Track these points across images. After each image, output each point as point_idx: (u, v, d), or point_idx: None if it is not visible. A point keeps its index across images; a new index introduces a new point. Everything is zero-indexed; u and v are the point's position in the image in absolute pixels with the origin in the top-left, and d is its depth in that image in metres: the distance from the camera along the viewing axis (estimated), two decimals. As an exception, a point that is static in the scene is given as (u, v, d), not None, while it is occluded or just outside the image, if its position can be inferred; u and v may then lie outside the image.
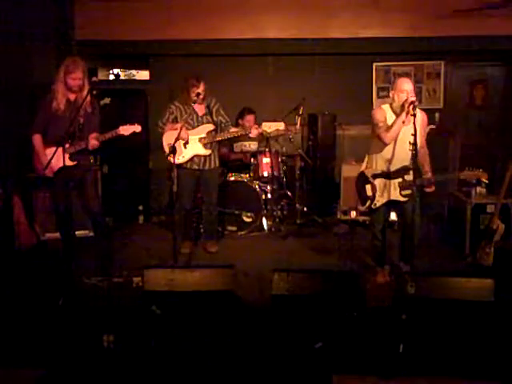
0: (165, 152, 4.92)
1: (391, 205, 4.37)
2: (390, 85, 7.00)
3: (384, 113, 4.28)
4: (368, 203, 4.38)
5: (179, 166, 4.91)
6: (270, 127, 4.93)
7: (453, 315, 2.86)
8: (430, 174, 4.24)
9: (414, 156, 3.84)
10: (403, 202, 4.23)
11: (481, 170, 4.06)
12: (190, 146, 5.01)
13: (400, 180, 4.21)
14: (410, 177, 4.06)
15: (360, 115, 6.76)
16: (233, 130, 5.14)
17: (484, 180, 4.07)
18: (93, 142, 4.34)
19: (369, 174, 4.38)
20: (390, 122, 4.20)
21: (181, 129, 4.61)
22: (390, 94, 4.29)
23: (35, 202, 5.39)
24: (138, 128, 4.39)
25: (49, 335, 3.33)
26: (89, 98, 4.27)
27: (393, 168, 4.25)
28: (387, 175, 4.28)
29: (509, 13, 6.33)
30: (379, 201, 4.32)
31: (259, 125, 5.05)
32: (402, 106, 4.10)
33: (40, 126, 4.39)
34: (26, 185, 5.27)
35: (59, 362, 3.02)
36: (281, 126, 4.96)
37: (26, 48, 5.63)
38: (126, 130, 4.35)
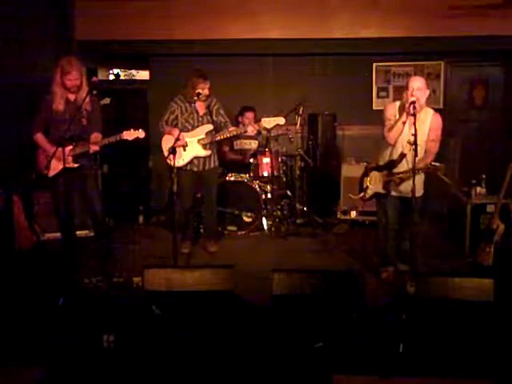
0: (164, 155, 4.93)
1: (391, 202, 4.34)
2: (390, 85, 7.03)
3: (394, 110, 4.23)
4: (362, 194, 4.50)
5: (179, 167, 4.92)
6: (269, 122, 4.93)
7: (452, 315, 2.86)
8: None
9: (414, 156, 3.82)
10: (404, 201, 4.21)
11: (439, 164, 3.95)
12: (189, 148, 5.02)
13: (385, 173, 4.23)
14: (396, 169, 4.15)
15: (360, 115, 6.78)
16: (231, 129, 5.14)
17: (440, 175, 4.00)
18: (94, 147, 4.34)
19: (369, 166, 4.48)
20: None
21: (178, 134, 4.61)
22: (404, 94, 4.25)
23: (35, 202, 5.39)
24: (141, 134, 4.37)
25: (49, 335, 3.33)
26: (88, 98, 4.27)
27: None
28: (378, 168, 4.33)
29: (509, 13, 6.33)
30: (368, 193, 4.42)
31: (258, 121, 5.05)
32: (404, 105, 4.09)
33: (41, 125, 4.41)
34: (26, 185, 5.27)
35: (59, 362, 3.02)
36: (281, 120, 4.94)
37: (26, 48, 5.63)
38: (129, 134, 4.34)
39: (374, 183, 4.37)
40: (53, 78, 4.37)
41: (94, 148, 4.35)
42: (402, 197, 4.22)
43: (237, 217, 5.88)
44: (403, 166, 4.12)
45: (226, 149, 6.15)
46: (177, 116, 5.05)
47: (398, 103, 4.28)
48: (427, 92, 4.12)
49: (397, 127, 4.10)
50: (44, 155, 4.40)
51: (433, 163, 4.00)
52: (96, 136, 4.43)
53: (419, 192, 4.23)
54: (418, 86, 4.03)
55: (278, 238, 5.79)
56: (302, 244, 5.64)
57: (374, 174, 4.39)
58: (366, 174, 4.49)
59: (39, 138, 4.41)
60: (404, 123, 4.06)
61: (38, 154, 4.48)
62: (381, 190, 4.29)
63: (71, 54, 5.96)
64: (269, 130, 5.84)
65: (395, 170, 4.17)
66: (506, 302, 3.18)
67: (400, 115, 4.12)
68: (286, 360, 2.88)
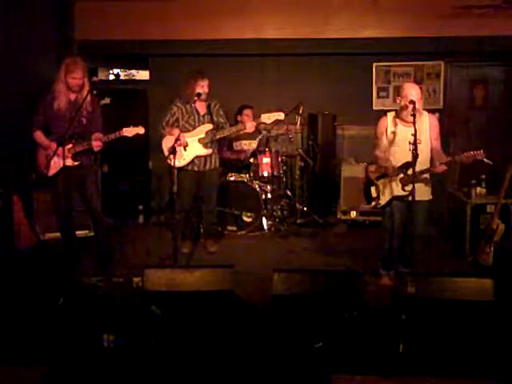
0: (165, 155, 4.93)
1: (398, 206, 4.32)
2: (390, 85, 7.03)
3: (384, 124, 4.28)
4: (374, 203, 4.41)
5: (180, 167, 4.92)
6: (269, 118, 4.93)
7: (453, 315, 2.86)
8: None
9: (415, 156, 3.83)
10: (410, 205, 4.19)
11: (480, 151, 3.90)
12: (189, 147, 5.02)
13: (402, 176, 4.19)
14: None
15: (360, 115, 6.78)
16: (230, 127, 5.15)
17: (481, 158, 3.95)
18: (97, 143, 4.34)
19: (373, 176, 4.41)
20: (391, 130, 4.23)
21: (178, 136, 4.61)
22: (397, 100, 4.24)
23: (35, 201, 5.39)
24: (141, 130, 4.39)
25: (49, 335, 3.33)
26: (89, 97, 4.28)
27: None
28: (388, 175, 4.28)
29: (509, 13, 6.33)
30: (382, 199, 4.33)
31: (258, 117, 5.06)
32: (401, 109, 4.12)
33: (40, 123, 4.41)
34: (26, 185, 5.27)
35: (59, 362, 3.02)
36: (280, 115, 4.94)
37: (26, 48, 5.63)
38: (129, 131, 4.36)
39: (389, 189, 4.28)
40: (57, 77, 4.38)
41: (97, 144, 4.34)
42: (406, 199, 4.20)
43: (237, 217, 5.88)
44: (418, 166, 4.00)
45: (226, 149, 6.15)
46: (177, 118, 5.06)
47: (390, 114, 4.31)
48: (421, 98, 4.16)
49: (383, 145, 4.20)
50: (44, 155, 4.41)
51: (469, 152, 3.93)
52: (98, 135, 4.44)
53: (428, 196, 4.25)
54: (417, 97, 4.03)
55: (278, 238, 5.79)
56: (302, 244, 5.64)
57: (384, 181, 4.31)
58: (371, 183, 4.41)
59: (38, 135, 4.41)
60: (394, 133, 4.12)
61: (37, 154, 4.48)
62: (401, 193, 4.19)
63: (71, 54, 5.96)
64: (269, 130, 5.86)
65: (409, 172, 4.09)
66: (506, 302, 3.18)
67: (395, 124, 4.16)
68: (285, 360, 2.88)
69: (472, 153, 3.92)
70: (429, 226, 4.60)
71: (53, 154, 4.12)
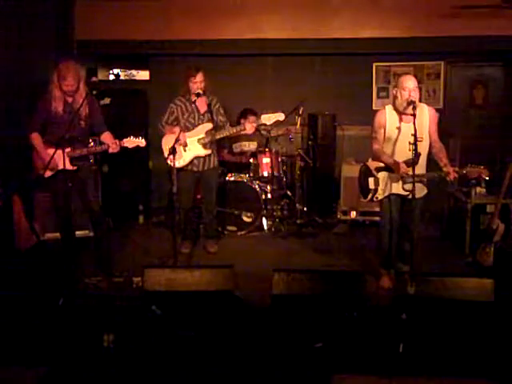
0: (164, 155, 4.93)
1: (394, 202, 4.31)
2: (390, 85, 7.03)
3: (383, 118, 4.24)
4: (370, 196, 4.35)
5: (179, 168, 4.92)
6: (269, 119, 4.94)
7: (453, 315, 2.86)
8: (448, 167, 4.05)
9: (415, 156, 3.83)
10: (407, 201, 4.19)
11: (482, 167, 3.95)
12: (189, 148, 5.02)
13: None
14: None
15: (360, 115, 6.78)
16: (230, 127, 5.15)
17: (485, 177, 4.00)
18: (112, 146, 4.30)
19: (372, 167, 4.33)
20: (390, 123, 4.20)
21: (179, 134, 4.62)
22: (393, 92, 4.24)
23: (35, 202, 5.39)
24: (142, 143, 4.40)
25: (49, 335, 3.33)
26: (86, 101, 4.25)
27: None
28: (390, 168, 4.23)
29: (509, 13, 6.33)
30: (381, 194, 4.28)
31: (258, 117, 5.06)
32: (400, 106, 4.11)
33: (38, 125, 4.38)
34: (26, 185, 5.27)
35: (59, 362, 3.01)
36: (281, 116, 4.94)
37: (26, 48, 5.63)
38: (130, 142, 4.36)
39: (388, 184, 4.23)
40: (51, 80, 4.36)
41: (114, 147, 4.31)
42: (405, 197, 4.19)
43: (237, 217, 5.88)
44: (422, 166, 4.01)
45: (226, 151, 6.15)
46: (176, 117, 5.06)
47: (388, 106, 4.28)
48: (417, 87, 4.17)
49: (383, 160, 4.18)
50: (38, 156, 4.38)
51: (474, 165, 3.99)
52: (106, 135, 4.42)
53: (423, 193, 4.23)
54: (413, 86, 4.06)
55: (278, 238, 5.79)
56: (302, 244, 5.64)
57: (384, 175, 4.26)
58: (370, 174, 4.34)
59: (35, 137, 4.35)
60: (398, 128, 4.10)
61: (34, 155, 4.45)
62: (400, 192, 4.17)
63: (71, 54, 5.96)
64: (269, 130, 5.86)
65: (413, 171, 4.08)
66: (506, 302, 3.18)
67: (399, 113, 4.15)
68: (285, 360, 2.88)
69: (477, 169, 3.97)
70: (425, 223, 4.60)
71: (51, 157, 4.10)
